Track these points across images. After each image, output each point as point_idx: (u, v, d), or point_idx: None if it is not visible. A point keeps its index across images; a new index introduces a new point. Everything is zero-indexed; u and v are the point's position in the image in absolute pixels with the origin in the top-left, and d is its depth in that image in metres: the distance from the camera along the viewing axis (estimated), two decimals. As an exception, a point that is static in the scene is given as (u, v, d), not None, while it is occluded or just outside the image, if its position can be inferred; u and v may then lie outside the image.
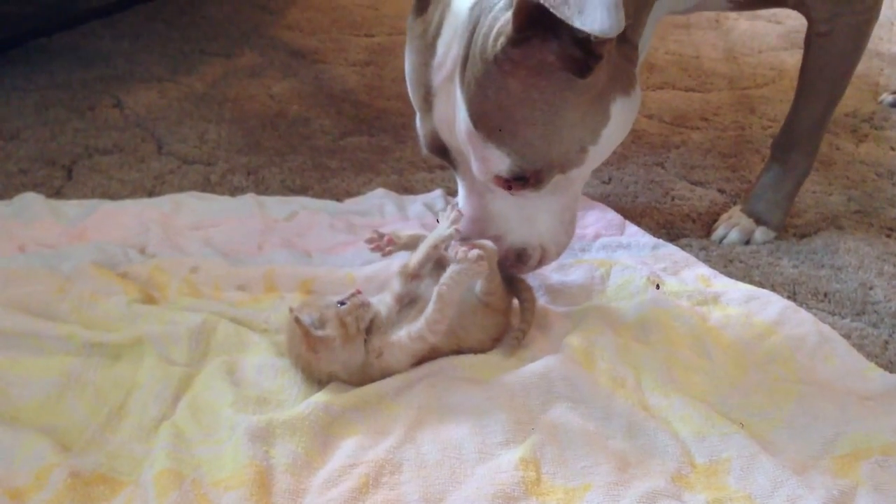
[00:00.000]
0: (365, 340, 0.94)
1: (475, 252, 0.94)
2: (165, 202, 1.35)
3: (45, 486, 0.80)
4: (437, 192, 1.40)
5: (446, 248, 1.00)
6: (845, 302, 1.16)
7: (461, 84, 0.92)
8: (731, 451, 0.86)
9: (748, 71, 2.02)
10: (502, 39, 0.86)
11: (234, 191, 1.42)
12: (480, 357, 0.98)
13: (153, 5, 2.35)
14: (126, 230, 1.26)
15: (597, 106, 0.93)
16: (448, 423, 0.89)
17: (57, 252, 1.18)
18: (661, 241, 1.27)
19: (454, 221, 0.99)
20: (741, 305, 1.10)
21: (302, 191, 1.43)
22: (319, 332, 0.91)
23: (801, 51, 1.26)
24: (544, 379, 0.93)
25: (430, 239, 1.00)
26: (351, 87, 1.88)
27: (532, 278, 1.11)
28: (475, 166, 0.95)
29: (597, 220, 1.32)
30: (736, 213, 1.33)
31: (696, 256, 1.24)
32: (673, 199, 1.43)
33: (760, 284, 1.18)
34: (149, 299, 1.09)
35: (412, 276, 0.99)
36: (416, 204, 1.37)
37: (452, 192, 1.34)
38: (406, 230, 1.10)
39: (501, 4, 0.88)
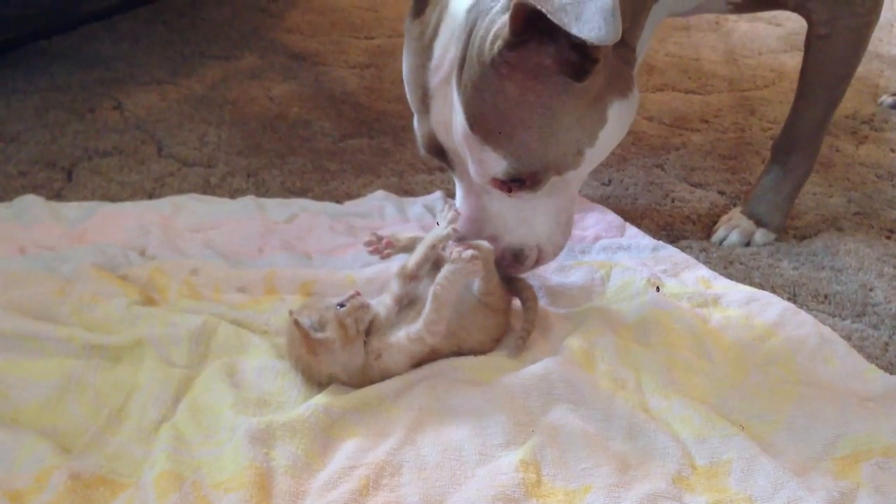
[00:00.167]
0: (364, 342, 0.94)
1: (469, 252, 0.94)
2: (165, 204, 1.35)
3: (46, 488, 0.80)
4: (437, 194, 1.40)
5: (444, 249, 1.00)
6: (845, 303, 1.16)
7: (458, 86, 0.92)
8: (732, 452, 0.86)
9: (748, 73, 2.02)
10: (499, 42, 0.86)
11: (235, 193, 1.42)
12: (480, 359, 0.99)
13: (153, 8, 2.35)
14: (126, 232, 1.26)
15: (593, 109, 0.93)
16: (448, 425, 0.89)
17: (57, 254, 1.18)
18: (661, 242, 1.27)
19: (451, 221, 1.00)
20: (741, 307, 1.10)
21: (302, 193, 1.43)
22: (319, 335, 0.91)
23: (802, 53, 1.26)
24: (544, 381, 0.93)
25: (428, 239, 1.00)
26: (351, 90, 1.88)
27: (532, 280, 1.11)
28: (472, 168, 0.96)
29: (597, 222, 1.32)
30: (736, 214, 1.33)
31: (697, 258, 1.24)
32: (673, 200, 1.43)
33: (761, 286, 1.18)
34: (149, 301, 1.09)
35: (411, 276, 0.99)
36: (416, 206, 1.37)
37: (452, 195, 1.34)
38: (405, 232, 1.10)
39: (498, 7, 0.88)
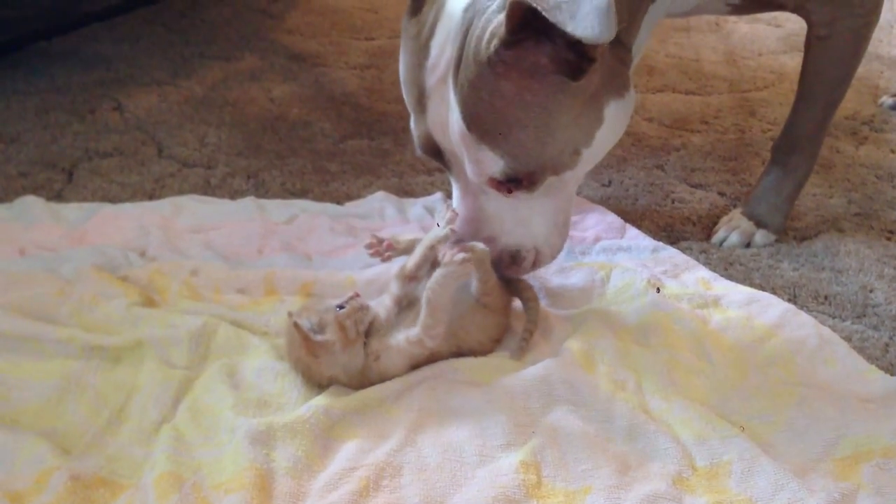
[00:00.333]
0: (364, 343, 0.94)
1: (460, 255, 0.94)
2: (165, 205, 1.35)
3: (46, 490, 0.80)
4: (437, 196, 1.40)
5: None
6: (846, 304, 1.16)
7: (454, 86, 0.92)
8: (732, 454, 0.86)
9: (748, 74, 2.02)
10: (495, 41, 0.86)
11: (235, 194, 1.42)
12: (480, 360, 0.98)
13: (153, 9, 2.35)
14: (126, 233, 1.26)
15: (590, 108, 0.93)
16: (448, 427, 0.89)
17: (57, 255, 1.18)
18: (661, 244, 1.27)
19: (449, 221, 0.99)
20: (741, 308, 1.10)
21: (302, 194, 1.43)
22: (319, 337, 0.90)
23: (801, 54, 1.26)
24: (545, 382, 0.93)
25: (426, 240, 1.00)
26: (351, 91, 1.88)
27: (532, 281, 1.11)
28: (469, 168, 0.96)
29: (597, 223, 1.32)
30: (736, 215, 1.33)
31: (697, 259, 1.24)
32: (673, 201, 1.43)
33: (761, 287, 1.18)
34: (149, 302, 1.09)
35: (410, 278, 0.99)
36: (416, 207, 1.37)
37: (451, 196, 1.34)
38: (405, 234, 1.10)
39: (495, 6, 0.88)
